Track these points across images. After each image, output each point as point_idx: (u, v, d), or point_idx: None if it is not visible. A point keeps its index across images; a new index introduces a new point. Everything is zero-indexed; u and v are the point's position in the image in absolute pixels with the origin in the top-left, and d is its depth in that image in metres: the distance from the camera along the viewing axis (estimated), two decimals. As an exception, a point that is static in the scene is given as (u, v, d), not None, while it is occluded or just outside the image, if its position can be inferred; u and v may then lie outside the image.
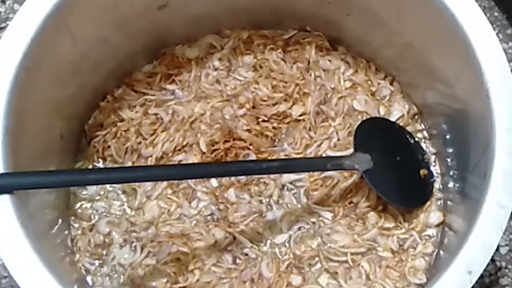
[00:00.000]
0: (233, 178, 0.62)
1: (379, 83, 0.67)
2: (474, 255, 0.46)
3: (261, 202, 0.62)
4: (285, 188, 0.63)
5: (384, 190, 0.60)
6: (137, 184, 0.62)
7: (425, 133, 0.66)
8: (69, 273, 0.57)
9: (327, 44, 0.68)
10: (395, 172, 0.62)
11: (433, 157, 0.65)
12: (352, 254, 0.60)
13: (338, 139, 0.64)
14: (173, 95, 0.66)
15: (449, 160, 0.62)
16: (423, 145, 0.66)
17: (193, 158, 0.63)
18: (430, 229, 0.62)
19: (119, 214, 0.62)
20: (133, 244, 0.60)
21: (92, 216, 0.62)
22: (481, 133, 0.50)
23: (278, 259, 0.60)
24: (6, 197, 0.45)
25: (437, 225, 0.62)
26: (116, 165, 0.63)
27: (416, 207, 0.62)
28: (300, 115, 0.65)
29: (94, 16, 0.56)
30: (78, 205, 0.63)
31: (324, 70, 0.67)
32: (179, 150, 0.64)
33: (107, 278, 0.60)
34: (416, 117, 0.67)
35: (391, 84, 0.67)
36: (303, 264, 0.60)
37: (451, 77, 0.57)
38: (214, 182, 0.63)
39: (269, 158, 0.63)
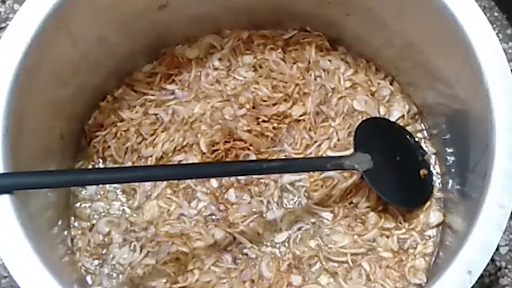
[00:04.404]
0: (233, 179, 0.62)
1: (379, 83, 0.67)
2: (474, 255, 0.46)
3: (261, 202, 0.62)
4: (285, 188, 0.63)
5: (384, 190, 0.60)
6: (136, 184, 0.62)
7: (425, 133, 0.66)
8: (68, 273, 0.57)
9: (327, 44, 0.68)
10: (395, 172, 0.62)
11: (433, 157, 0.65)
12: (352, 254, 0.60)
13: (338, 139, 0.64)
14: (173, 95, 0.66)
15: (449, 160, 0.62)
16: (423, 145, 0.66)
17: (193, 159, 0.63)
18: (430, 229, 0.62)
19: (118, 214, 0.62)
20: (133, 244, 0.60)
21: (92, 216, 0.62)
22: (481, 133, 0.50)
23: (278, 259, 0.60)
24: (6, 197, 0.45)
25: (437, 225, 0.62)
26: (116, 165, 0.63)
27: (416, 207, 0.62)
28: (300, 115, 0.65)
29: (94, 16, 0.56)
30: (78, 205, 0.63)
31: (324, 70, 0.67)
32: (179, 150, 0.64)
33: (107, 277, 0.60)
34: (416, 117, 0.67)
35: (391, 84, 0.67)
36: (303, 264, 0.60)
37: (451, 77, 0.57)
38: (214, 182, 0.63)
39: (270, 158, 0.63)
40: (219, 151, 0.63)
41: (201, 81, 0.67)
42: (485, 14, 0.51)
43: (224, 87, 0.66)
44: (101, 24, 0.58)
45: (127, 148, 0.64)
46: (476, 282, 0.45)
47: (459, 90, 0.56)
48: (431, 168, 0.64)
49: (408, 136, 0.65)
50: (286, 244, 0.61)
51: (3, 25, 0.73)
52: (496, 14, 0.74)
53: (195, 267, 0.59)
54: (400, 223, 0.62)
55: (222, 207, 0.61)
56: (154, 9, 0.61)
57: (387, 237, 0.61)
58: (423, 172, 0.63)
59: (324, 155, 0.64)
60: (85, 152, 0.65)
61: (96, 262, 0.60)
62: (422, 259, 0.60)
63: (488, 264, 0.45)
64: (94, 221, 0.62)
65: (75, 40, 0.55)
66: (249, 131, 0.64)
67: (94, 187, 0.63)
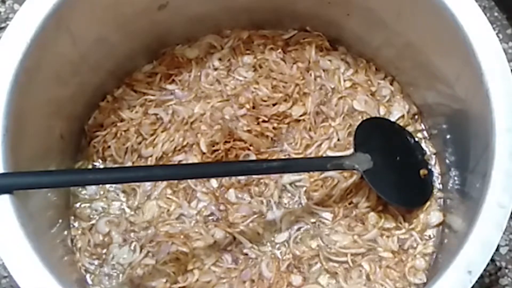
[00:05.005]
0: (233, 179, 0.62)
1: (379, 83, 0.67)
2: (474, 255, 0.46)
3: (261, 202, 0.62)
4: (285, 188, 0.63)
5: (384, 190, 0.60)
6: (136, 184, 0.62)
7: (425, 133, 0.66)
8: (68, 273, 0.57)
9: (327, 44, 0.68)
10: (395, 172, 0.62)
11: (433, 157, 0.65)
12: (352, 254, 0.60)
13: (338, 139, 0.64)
14: (173, 95, 0.66)
15: (449, 160, 0.62)
16: (423, 145, 0.65)
17: (193, 159, 0.63)
18: (430, 229, 0.62)
19: (118, 214, 0.62)
20: (133, 244, 0.60)
21: (92, 216, 0.62)
22: (481, 133, 0.50)
23: (278, 259, 0.60)
24: (6, 197, 0.45)
25: (437, 225, 0.62)
26: (116, 165, 0.63)
27: (416, 207, 0.62)
28: (300, 115, 0.65)
29: (94, 16, 0.56)
30: (78, 205, 0.63)
31: (324, 70, 0.67)
32: (179, 150, 0.64)
33: (107, 277, 0.60)
34: (416, 117, 0.67)
35: (391, 84, 0.67)
36: (303, 264, 0.60)
37: (451, 77, 0.57)
38: (214, 182, 0.63)
39: (270, 158, 0.63)
40: (219, 151, 0.63)
41: (201, 81, 0.67)
42: (485, 14, 0.51)
43: (224, 87, 0.66)
44: (101, 24, 0.58)
45: (127, 148, 0.64)
46: (476, 282, 0.45)
47: (459, 90, 0.56)
48: (431, 168, 0.64)
49: (408, 136, 0.65)
50: (286, 244, 0.61)
51: (3, 25, 0.73)
52: (496, 14, 0.74)
53: (195, 267, 0.59)
54: (400, 223, 0.62)
55: (222, 207, 0.61)
56: (154, 9, 0.61)
57: (387, 237, 0.61)
58: (423, 172, 0.63)
59: (324, 155, 0.64)
60: (85, 152, 0.65)
61: (96, 262, 0.60)
62: (422, 259, 0.60)
63: (488, 264, 0.45)
64: (94, 221, 0.62)
65: (75, 40, 0.55)
66: (249, 131, 0.64)
67: (94, 187, 0.63)
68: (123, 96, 0.66)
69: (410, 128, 0.66)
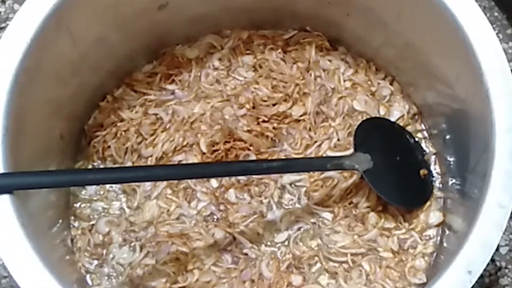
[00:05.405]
0: (233, 179, 0.62)
1: (379, 83, 0.67)
2: (474, 255, 0.46)
3: (261, 202, 0.62)
4: (285, 188, 0.63)
5: (384, 190, 0.60)
6: (136, 184, 0.62)
7: (425, 133, 0.66)
8: (68, 273, 0.57)
9: (327, 44, 0.68)
10: (395, 172, 0.62)
11: (433, 157, 0.65)
12: (352, 254, 0.60)
13: (338, 139, 0.64)
14: (173, 95, 0.66)
15: (449, 160, 0.62)
16: (423, 145, 0.66)
17: (193, 159, 0.63)
18: (430, 229, 0.62)
19: (118, 214, 0.62)
20: (132, 244, 0.60)
21: (92, 216, 0.62)
22: (481, 133, 0.50)
23: (278, 259, 0.60)
24: (6, 197, 0.45)
25: (437, 225, 0.62)
26: (116, 165, 0.63)
27: (416, 207, 0.62)
28: (300, 115, 0.65)
29: (94, 16, 0.56)
30: (78, 205, 0.63)
31: (324, 70, 0.67)
32: (179, 150, 0.64)
33: (106, 277, 0.60)
34: (416, 117, 0.67)
35: (391, 84, 0.67)
36: (303, 264, 0.60)
37: (451, 77, 0.57)
38: (214, 182, 0.63)
39: (270, 158, 0.63)
40: (219, 151, 0.63)
41: (201, 81, 0.67)
42: (485, 14, 0.51)
43: (224, 87, 0.66)
44: (101, 24, 0.58)
45: (127, 148, 0.64)
46: (476, 282, 0.45)
47: (459, 90, 0.56)
48: (431, 168, 0.64)
49: (408, 136, 0.65)
50: (286, 244, 0.61)
51: (3, 25, 0.73)
52: (496, 14, 0.74)
53: (195, 267, 0.59)
54: (400, 223, 0.62)
55: (222, 207, 0.61)
56: (154, 9, 0.61)
57: (387, 237, 0.61)
58: (423, 172, 0.63)
59: (324, 155, 0.64)
60: (85, 152, 0.65)
61: (96, 262, 0.60)
62: (422, 259, 0.60)
63: (488, 264, 0.45)
64: (94, 221, 0.62)
65: (75, 40, 0.55)
66: (249, 131, 0.64)
67: (94, 187, 0.63)
68: (123, 96, 0.66)
69: (410, 128, 0.66)
